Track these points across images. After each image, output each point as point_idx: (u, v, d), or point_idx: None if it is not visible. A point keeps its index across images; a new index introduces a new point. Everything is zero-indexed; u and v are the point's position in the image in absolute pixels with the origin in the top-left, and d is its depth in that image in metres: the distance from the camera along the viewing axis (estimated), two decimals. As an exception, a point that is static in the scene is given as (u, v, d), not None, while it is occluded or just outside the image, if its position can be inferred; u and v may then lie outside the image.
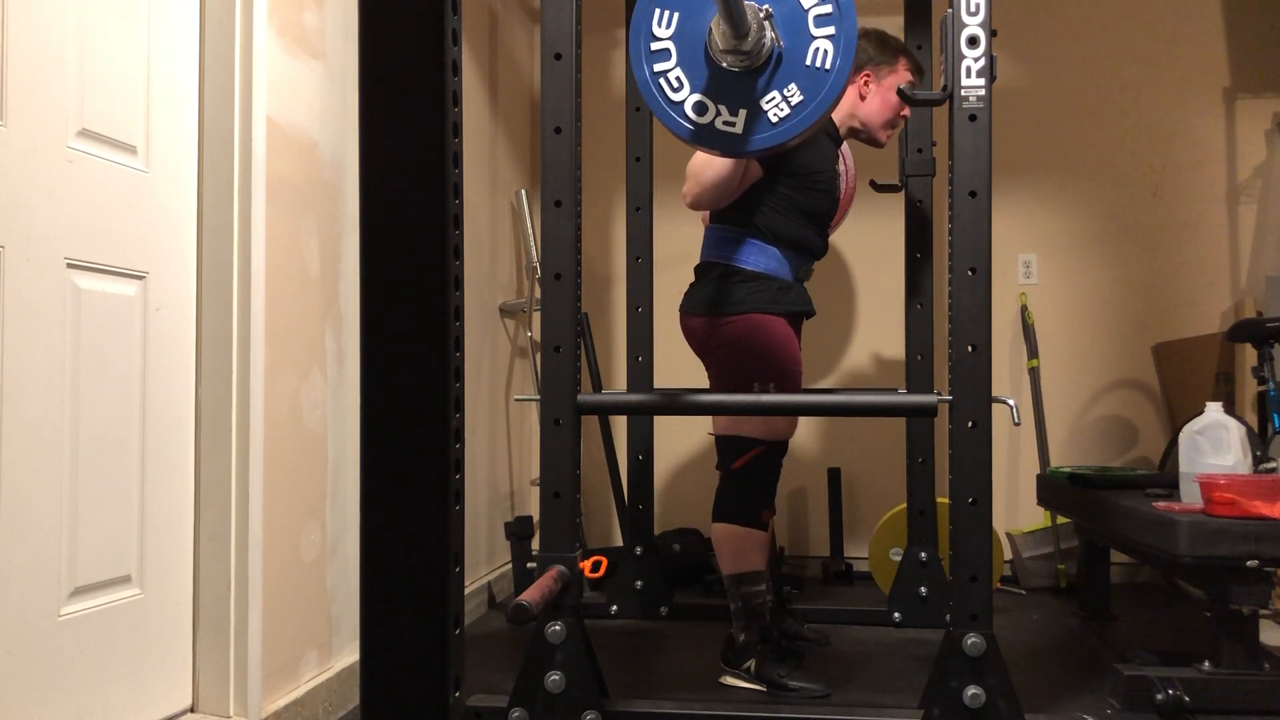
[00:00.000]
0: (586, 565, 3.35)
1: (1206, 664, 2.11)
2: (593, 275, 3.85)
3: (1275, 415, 2.84)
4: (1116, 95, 3.62)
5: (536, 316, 3.14)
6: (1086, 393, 3.61)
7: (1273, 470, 2.46)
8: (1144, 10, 3.62)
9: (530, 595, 1.66)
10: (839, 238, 3.37)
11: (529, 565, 3.09)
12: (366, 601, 1.04)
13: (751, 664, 2.30)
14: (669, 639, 2.78)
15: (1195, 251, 3.57)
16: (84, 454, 1.64)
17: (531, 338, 3.55)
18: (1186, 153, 3.59)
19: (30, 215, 1.53)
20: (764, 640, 2.29)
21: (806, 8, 1.69)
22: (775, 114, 1.70)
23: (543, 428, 1.92)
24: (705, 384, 2.43)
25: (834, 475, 3.56)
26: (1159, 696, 2.05)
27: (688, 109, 1.74)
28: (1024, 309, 3.55)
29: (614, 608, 2.97)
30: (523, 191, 3.51)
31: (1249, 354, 3.07)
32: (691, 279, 2.43)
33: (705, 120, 1.73)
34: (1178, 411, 3.44)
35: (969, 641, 1.78)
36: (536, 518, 2.75)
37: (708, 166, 2.18)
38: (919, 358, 2.91)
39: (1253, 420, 2.98)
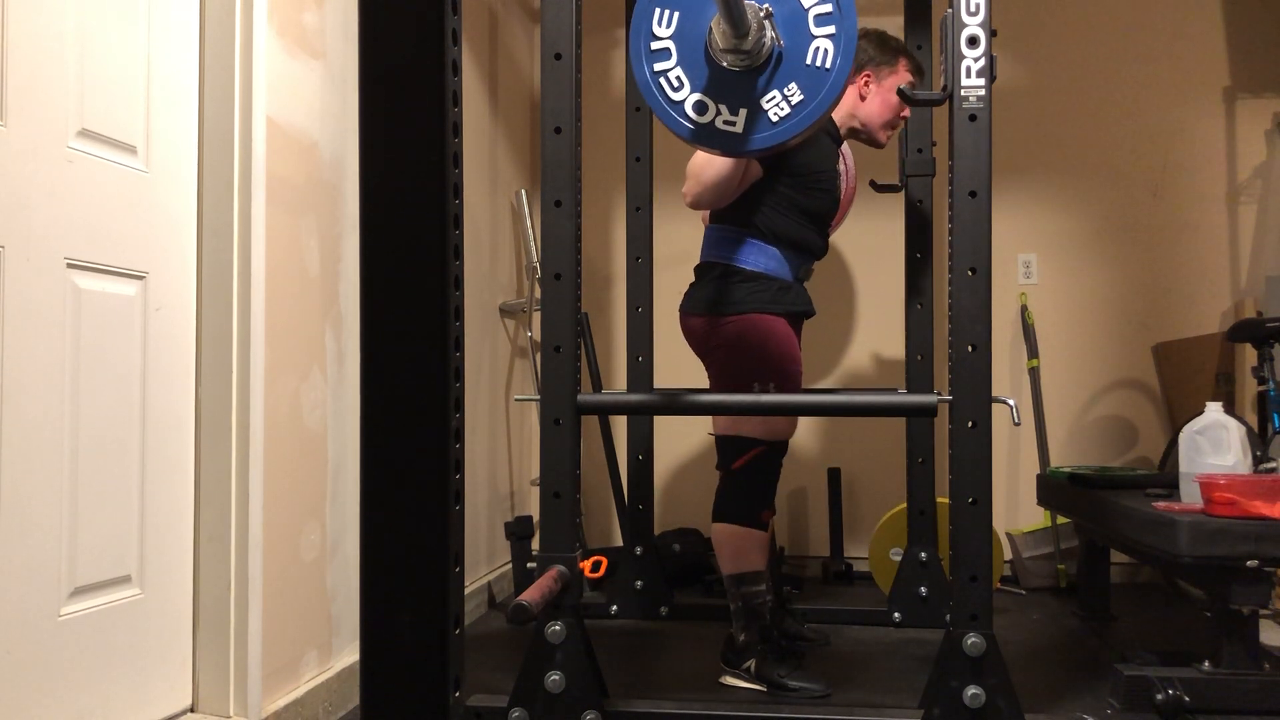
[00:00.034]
0: (586, 565, 3.35)
1: (1206, 664, 2.11)
2: (593, 275, 3.85)
3: (1275, 415, 2.84)
4: (1116, 95, 3.62)
5: (536, 316, 3.14)
6: (1086, 393, 3.61)
7: (1273, 470, 2.46)
8: (1144, 10, 3.62)
9: (530, 595, 1.66)
10: (839, 238, 3.37)
11: (529, 565, 3.09)
12: (366, 601, 1.04)
13: (751, 664, 2.30)
14: (669, 639, 2.78)
15: (1195, 251, 3.57)
16: (84, 454, 1.64)
17: (531, 338, 3.55)
18: (1186, 153, 3.59)
19: (30, 215, 1.53)
20: (764, 640, 2.29)
21: (807, 7, 1.69)
22: (775, 113, 1.70)
23: (543, 428, 1.92)
24: (705, 384, 2.43)
25: (834, 475, 3.56)
26: (1159, 696, 2.04)
27: (688, 108, 1.74)
28: (1024, 309, 3.55)
29: (614, 608, 2.97)
30: (523, 191, 3.51)
31: (1249, 354, 3.07)
32: (691, 279, 2.43)
33: (705, 119, 1.73)
34: (1178, 411, 3.44)
35: (969, 641, 1.78)
36: (536, 518, 2.75)
37: (708, 166, 2.18)
38: (919, 358, 2.91)
39: (1253, 420, 2.98)
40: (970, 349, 1.83)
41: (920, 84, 2.57)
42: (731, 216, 2.33)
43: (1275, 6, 3.56)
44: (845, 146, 2.62)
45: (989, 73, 1.82)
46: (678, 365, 3.12)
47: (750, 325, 2.27)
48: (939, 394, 1.91)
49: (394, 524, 1.04)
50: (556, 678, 1.83)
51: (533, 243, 3.45)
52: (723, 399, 2.03)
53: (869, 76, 2.49)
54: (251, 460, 1.89)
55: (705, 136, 1.74)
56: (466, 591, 2.97)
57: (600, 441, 3.35)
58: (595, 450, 3.47)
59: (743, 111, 1.72)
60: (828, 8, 1.68)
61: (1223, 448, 2.26)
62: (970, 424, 1.83)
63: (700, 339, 2.36)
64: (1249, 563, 2.02)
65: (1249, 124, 3.55)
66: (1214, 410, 2.30)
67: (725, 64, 1.71)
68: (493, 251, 3.34)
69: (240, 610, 1.88)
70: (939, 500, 2.86)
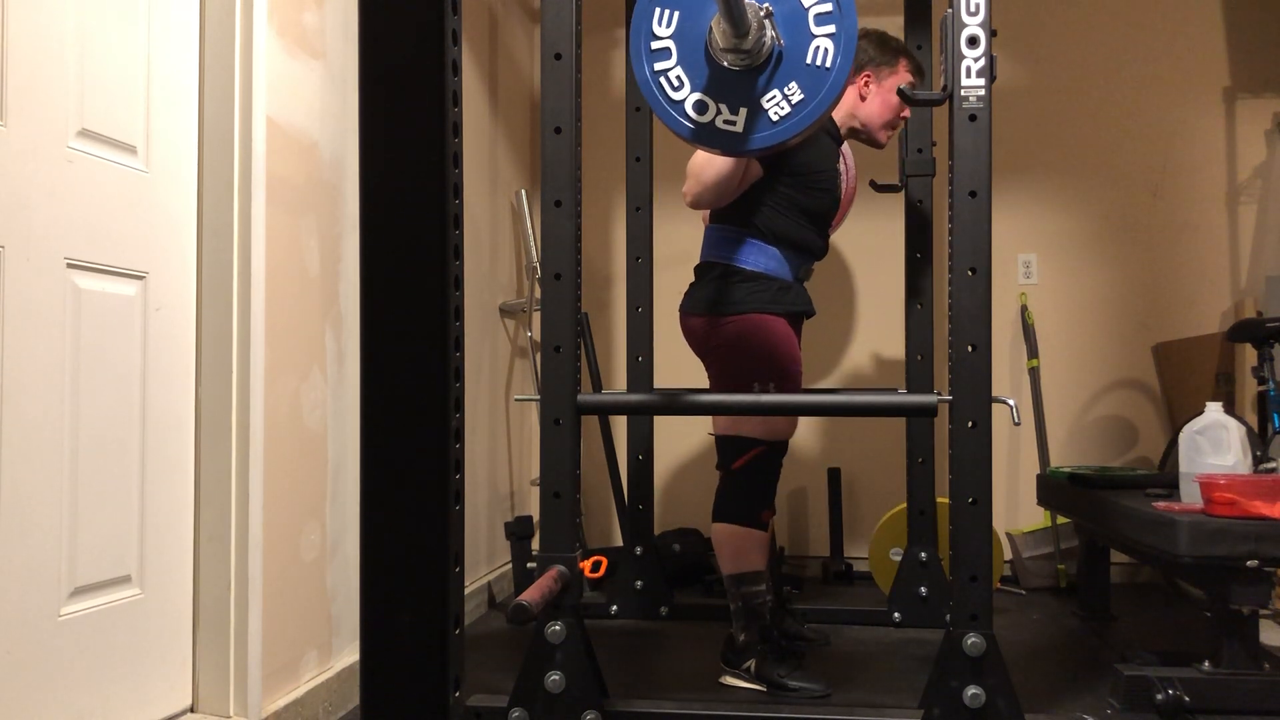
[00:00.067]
0: (586, 565, 3.35)
1: (1206, 664, 2.11)
2: (593, 275, 3.85)
3: (1275, 415, 2.84)
4: (1116, 95, 3.62)
5: (536, 316, 3.13)
6: (1086, 393, 3.61)
7: (1273, 470, 2.46)
8: (1144, 10, 3.62)
9: (530, 595, 1.65)
10: (839, 238, 3.37)
11: (529, 565, 3.09)
12: (366, 601, 1.04)
13: (751, 664, 2.30)
14: (669, 639, 2.78)
15: (1195, 251, 3.57)
16: (84, 454, 1.64)
17: (531, 338, 3.55)
18: (1186, 153, 3.59)
19: (30, 215, 1.53)
20: (764, 640, 2.29)
21: (807, 6, 1.69)
22: (776, 112, 1.70)
23: (543, 428, 1.92)
24: (705, 384, 2.43)
25: (834, 475, 3.56)
26: (1159, 696, 2.04)
27: (688, 108, 1.74)
28: (1024, 309, 3.55)
29: (614, 608, 2.97)
30: (523, 191, 3.51)
31: (1249, 354, 3.06)
32: (691, 279, 2.43)
33: (706, 119, 1.73)
34: (1178, 411, 3.44)
35: (969, 641, 1.78)
36: (536, 518, 2.75)
37: (708, 165, 2.18)
38: (919, 358, 2.91)
39: (1253, 420, 2.98)
40: (970, 349, 1.83)
41: (920, 84, 2.57)
42: (731, 216, 2.33)
43: (1275, 6, 3.56)
44: (845, 146, 2.62)
45: (989, 73, 1.82)
46: (678, 365, 3.12)
47: (750, 325, 2.27)
48: (939, 394, 1.91)
49: (394, 524, 1.04)
50: (556, 678, 1.83)
51: (533, 243, 3.45)
52: (723, 399, 2.03)
53: (869, 77, 2.49)
54: (251, 460, 1.89)
55: (705, 136, 1.74)
56: (466, 591, 2.97)
57: (600, 441, 3.35)
58: (595, 450, 3.47)
59: (743, 111, 1.72)
60: (828, 7, 1.68)
61: (1223, 448, 2.26)
62: (970, 424, 1.83)
63: (700, 339, 2.36)
64: (1249, 563, 2.02)
65: (1249, 124, 3.55)
66: (1214, 410, 2.30)
67: (725, 63, 1.71)
68: (493, 251, 3.34)
69: (240, 610, 1.88)
70: (939, 500, 2.86)
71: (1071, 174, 3.63)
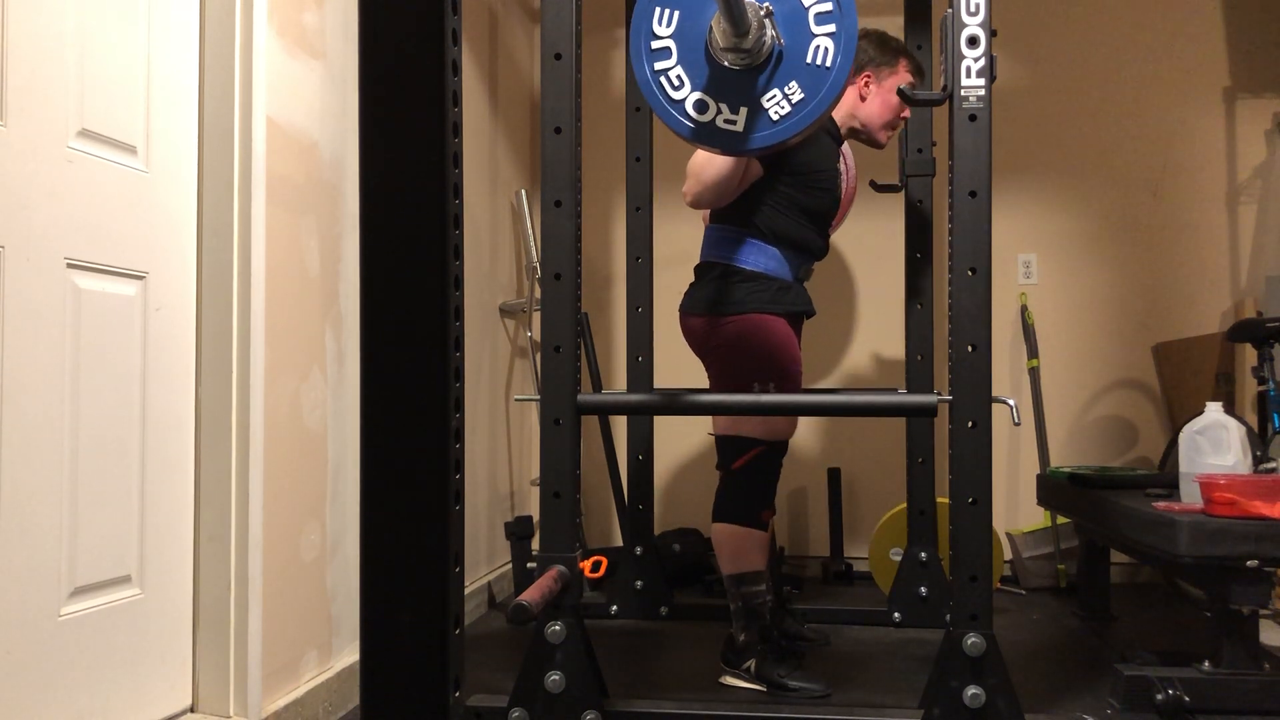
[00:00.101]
0: (586, 565, 3.35)
1: (1206, 664, 2.11)
2: (593, 275, 3.85)
3: (1275, 415, 2.84)
4: (1116, 95, 3.62)
5: (536, 316, 3.14)
6: (1086, 393, 3.61)
7: (1273, 470, 2.46)
8: (1144, 10, 3.62)
9: (530, 595, 1.65)
10: (839, 238, 3.38)
11: (529, 565, 3.09)
12: (366, 601, 1.04)
13: (751, 664, 2.30)
14: (669, 639, 2.78)
15: (1195, 251, 3.57)
16: (84, 454, 1.64)
17: (531, 338, 3.55)
18: (1186, 153, 3.59)
19: (30, 215, 1.53)
20: (764, 640, 2.29)
21: (807, 5, 1.69)
22: (776, 112, 1.70)
23: (543, 428, 1.92)
24: (705, 384, 2.43)
25: (834, 475, 3.56)
26: (1159, 696, 2.04)
27: (689, 107, 1.74)
28: (1024, 309, 3.55)
29: (614, 608, 2.97)
30: (523, 191, 3.51)
31: (1249, 354, 3.07)
32: (691, 279, 2.43)
33: (706, 118, 1.73)
34: (1178, 411, 3.44)
35: (969, 641, 1.78)
36: (536, 518, 2.75)
37: (708, 165, 2.18)
38: (919, 358, 2.91)
39: (1253, 420, 2.98)
40: (970, 349, 1.83)
41: (920, 84, 2.57)
42: (731, 216, 2.33)
43: (1275, 6, 3.56)
44: (845, 146, 2.62)
45: (989, 73, 1.82)
46: (678, 365, 3.12)
47: (750, 325, 2.27)
48: (939, 394, 1.91)
49: (394, 524, 1.04)
50: (556, 678, 1.83)
51: (533, 243, 3.45)
52: (723, 399, 2.03)
53: (869, 77, 2.49)
54: (251, 460, 1.89)
55: (706, 135, 1.74)
56: (466, 591, 2.97)
57: (600, 441, 3.35)
58: (595, 450, 3.47)
59: (743, 110, 1.72)
60: (828, 6, 1.68)
61: (1223, 448, 2.26)
62: (970, 424, 1.83)
63: (700, 339, 2.36)
64: (1249, 563, 2.02)
65: (1249, 124, 3.55)
66: (1214, 410, 2.30)
67: (726, 63, 1.71)
68: (493, 251, 3.34)
69: (240, 610, 1.88)
70: (939, 500, 2.86)
71: (1071, 174, 3.63)
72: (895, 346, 3.66)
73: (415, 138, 1.04)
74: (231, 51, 1.91)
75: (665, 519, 3.73)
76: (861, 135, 2.55)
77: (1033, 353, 3.48)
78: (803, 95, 1.69)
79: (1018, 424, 1.94)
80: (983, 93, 1.83)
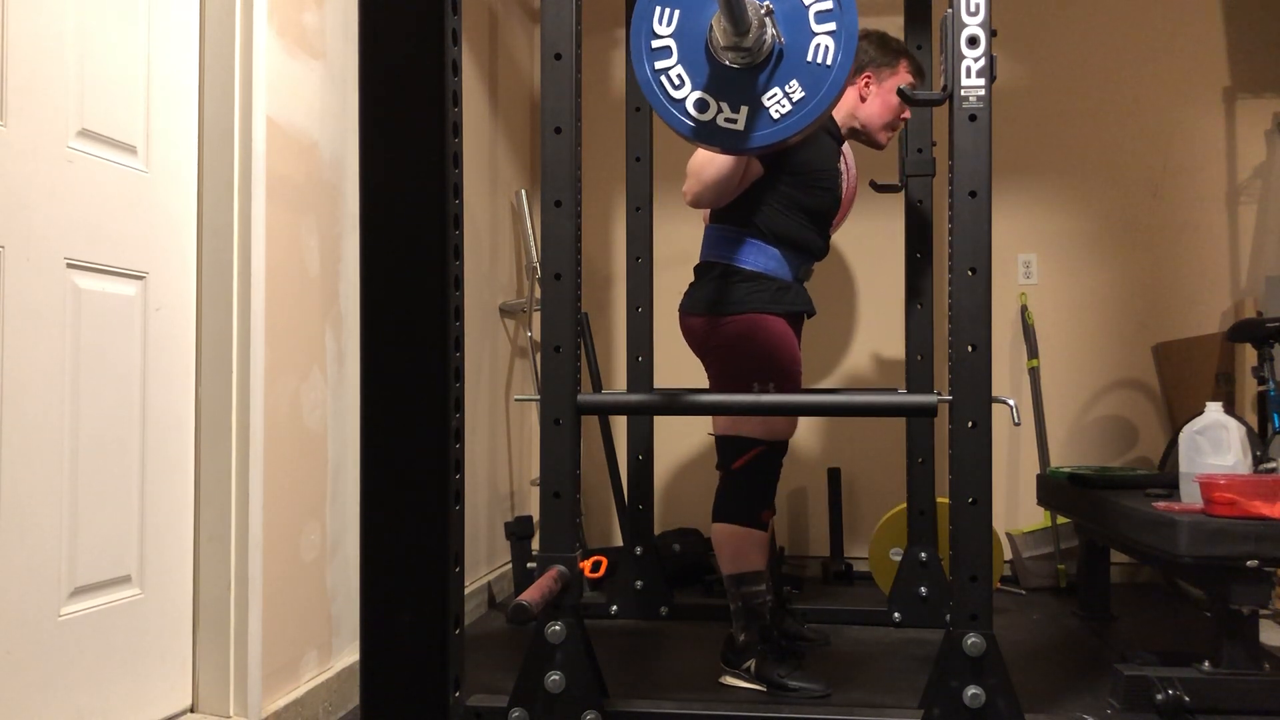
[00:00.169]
0: (586, 565, 3.35)
1: (1206, 664, 2.11)
2: (593, 275, 3.85)
3: (1275, 415, 2.84)
4: (1116, 95, 3.62)
5: (536, 316, 3.14)
6: (1086, 393, 3.61)
7: (1273, 470, 2.46)
8: (1144, 10, 3.62)
9: (530, 595, 1.65)
10: (839, 238, 3.37)
11: (529, 565, 3.09)
12: (366, 601, 1.04)
13: (751, 664, 2.30)
14: (669, 639, 2.78)
15: (1195, 251, 3.57)
16: (84, 454, 1.63)
17: (531, 338, 3.55)
18: (1186, 153, 3.59)
19: (30, 215, 1.53)
20: (764, 640, 2.29)
21: (807, 4, 1.69)
22: (777, 110, 1.70)
23: (543, 428, 1.92)
24: (705, 384, 2.43)
25: (834, 475, 3.56)
26: (1159, 696, 2.04)
27: (689, 106, 1.74)
28: (1024, 309, 3.55)
29: (614, 608, 2.97)
30: (523, 191, 3.51)
31: (1249, 354, 3.06)
32: (691, 279, 2.43)
33: (707, 117, 1.73)
34: (1178, 411, 3.44)
35: (969, 641, 1.78)
36: (536, 518, 2.75)
37: (709, 164, 2.18)
38: (919, 358, 2.91)
39: (1253, 420, 2.98)
40: (970, 349, 1.83)
41: (920, 84, 2.57)
42: (731, 216, 2.33)
43: (1275, 6, 3.56)
44: (846, 146, 2.62)
45: (989, 73, 1.82)
46: (678, 365, 3.12)
47: (750, 325, 2.27)
48: (939, 394, 1.91)
49: (394, 524, 1.04)
50: (556, 678, 1.83)
51: (533, 243, 3.45)
52: (723, 399, 2.03)
53: (869, 78, 2.49)
54: (251, 460, 1.89)
55: (706, 134, 1.74)
56: (466, 591, 2.97)
57: (600, 441, 3.35)
58: (595, 450, 3.47)
59: (744, 109, 1.72)
60: (828, 5, 1.68)
61: (1223, 448, 2.26)
62: (970, 424, 1.83)
63: (700, 339, 2.36)
64: (1249, 563, 2.02)
65: (1249, 124, 3.55)
66: (1214, 410, 2.30)
67: (726, 61, 1.71)
68: (493, 251, 3.34)
69: (240, 610, 1.88)
70: (939, 500, 2.86)
71: (1071, 174, 3.63)
72: (895, 346, 3.66)
73: (415, 138, 1.04)
74: (231, 51, 1.91)
75: (665, 519, 3.73)
76: (862, 136, 2.55)
77: (1033, 353, 3.48)
78: (803, 94, 1.69)
79: (1018, 424, 1.94)
80: (983, 93, 1.83)
